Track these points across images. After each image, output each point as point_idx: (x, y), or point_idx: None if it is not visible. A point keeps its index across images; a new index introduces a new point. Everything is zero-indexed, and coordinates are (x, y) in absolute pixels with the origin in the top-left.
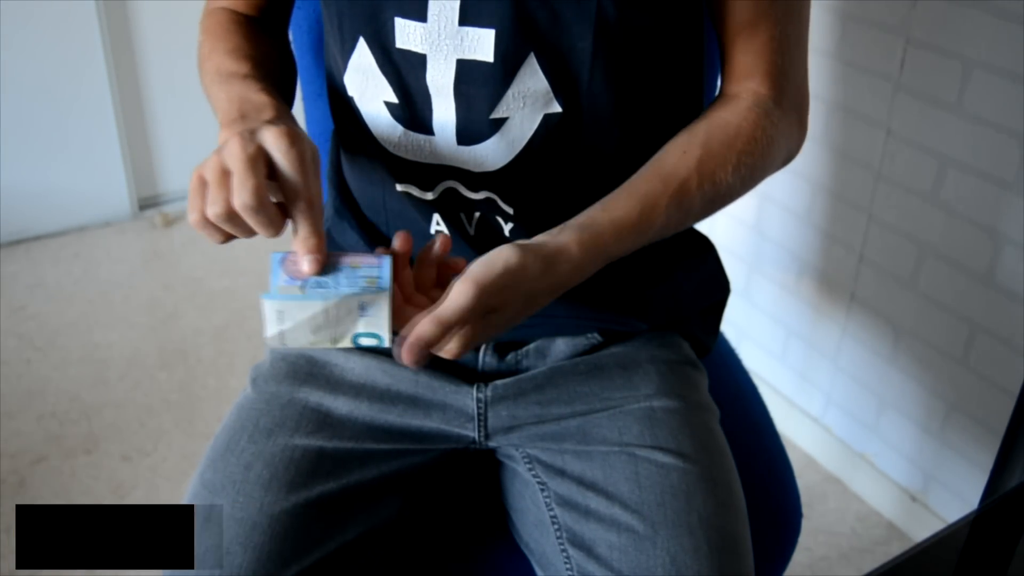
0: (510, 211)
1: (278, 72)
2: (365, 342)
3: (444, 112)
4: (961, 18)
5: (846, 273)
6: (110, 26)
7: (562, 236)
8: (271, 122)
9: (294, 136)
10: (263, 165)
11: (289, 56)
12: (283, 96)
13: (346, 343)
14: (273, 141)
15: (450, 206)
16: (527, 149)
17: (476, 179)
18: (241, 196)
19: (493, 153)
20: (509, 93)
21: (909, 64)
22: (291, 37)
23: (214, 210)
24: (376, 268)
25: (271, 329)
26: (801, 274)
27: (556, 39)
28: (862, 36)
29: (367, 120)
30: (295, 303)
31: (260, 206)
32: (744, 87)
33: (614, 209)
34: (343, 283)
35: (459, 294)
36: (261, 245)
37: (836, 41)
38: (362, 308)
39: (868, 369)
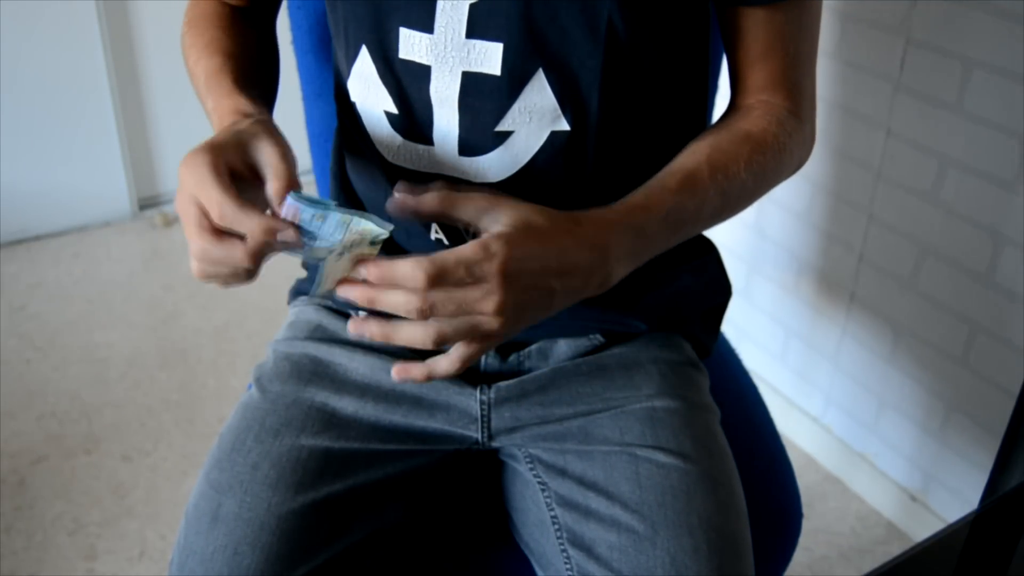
0: None
1: (255, 66)
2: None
3: (446, 123)
4: (961, 18)
5: (846, 273)
6: (110, 26)
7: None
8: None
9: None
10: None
11: (273, 49)
12: (260, 90)
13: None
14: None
15: None
16: (531, 164)
17: (475, 189)
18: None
19: (496, 165)
20: (515, 107)
21: (909, 64)
22: (291, 37)
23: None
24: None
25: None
26: (801, 274)
27: (565, 56)
28: (862, 36)
29: (368, 127)
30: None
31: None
32: (757, 99)
33: (622, 199)
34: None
35: (477, 243)
36: None
37: (836, 41)
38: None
39: (868, 369)
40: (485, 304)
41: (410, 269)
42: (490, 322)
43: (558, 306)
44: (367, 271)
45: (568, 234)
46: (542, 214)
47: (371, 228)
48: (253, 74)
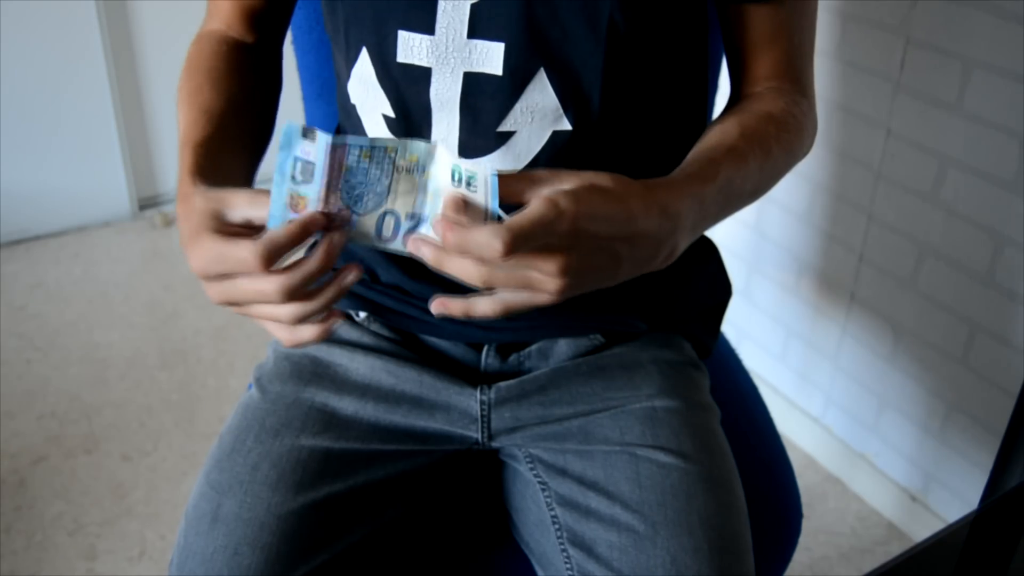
0: None
1: (237, 121)
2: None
3: (446, 126)
4: (961, 18)
5: (846, 273)
6: (110, 26)
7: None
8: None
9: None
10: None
11: (272, 87)
12: (235, 150)
13: None
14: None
15: None
16: (532, 164)
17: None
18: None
19: (497, 166)
20: (517, 107)
21: (909, 64)
22: (291, 37)
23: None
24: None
25: None
26: (801, 274)
27: (567, 54)
28: (862, 36)
29: (367, 130)
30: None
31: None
32: (765, 86)
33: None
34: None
35: (535, 204)
36: None
37: (836, 41)
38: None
39: (868, 369)
40: (548, 264)
41: (486, 239)
42: (548, 282)
43: (624, 275)
44: (443, 231)
45: (637, 197)
46: (608, 177)
47: (419, 148)
48: (231, 132)
